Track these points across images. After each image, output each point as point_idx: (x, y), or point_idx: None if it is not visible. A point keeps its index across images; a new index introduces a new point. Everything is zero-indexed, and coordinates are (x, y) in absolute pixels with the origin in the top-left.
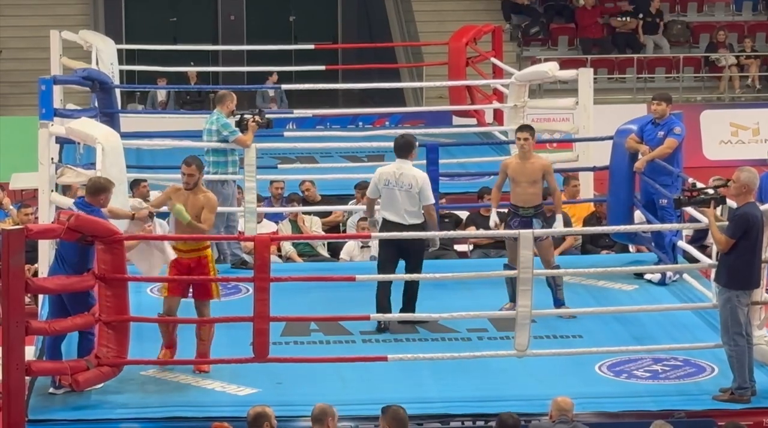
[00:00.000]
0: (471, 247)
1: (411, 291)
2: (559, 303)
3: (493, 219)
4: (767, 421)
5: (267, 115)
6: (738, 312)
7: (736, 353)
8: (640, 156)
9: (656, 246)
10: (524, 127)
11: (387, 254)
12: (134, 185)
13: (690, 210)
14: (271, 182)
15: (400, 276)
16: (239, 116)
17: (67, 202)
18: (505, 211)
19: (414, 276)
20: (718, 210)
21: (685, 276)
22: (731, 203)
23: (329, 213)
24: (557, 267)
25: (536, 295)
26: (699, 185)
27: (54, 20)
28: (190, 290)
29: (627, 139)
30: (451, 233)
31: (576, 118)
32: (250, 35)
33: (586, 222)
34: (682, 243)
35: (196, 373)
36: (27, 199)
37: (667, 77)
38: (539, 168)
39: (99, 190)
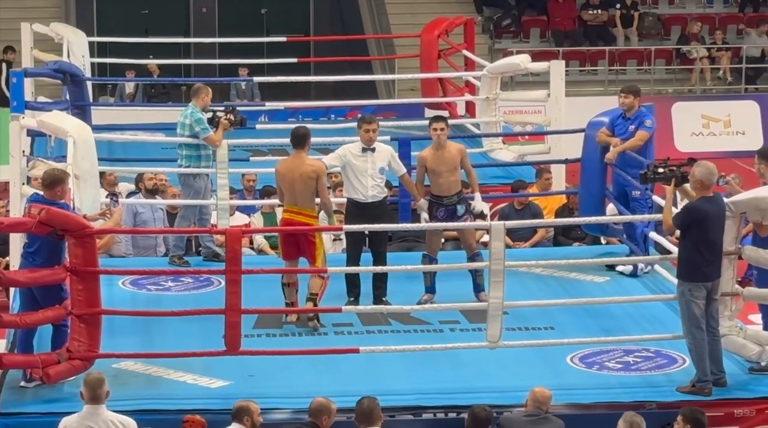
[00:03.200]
0: (443, 240)
1: (380, 269)
2: (479, 288)
3: (424, 216)
4: (738, 412)
5: (240, 114)
6: (692, 306)
7: (694, 346)
8: (611, 148)
9: (628, 237)
10: (439, 118)
11: (355, 234)
12: (101, 176)
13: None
14: (243, 175)
15: (369, 268)
16: (212, 113)
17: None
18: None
19: (385, 267)
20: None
21: (657, 267)
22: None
23: None
24: (479, 253)
25: (508, 287)
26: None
27: (25, 13)
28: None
29: (598, 132)
30: (423, 225)
31: (548, 110)
32: (221, 28)
33: (558, 214)
34: (653, 235)
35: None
36: None
37: (638, 69)
38: (456, 153)
39: (54, 181)
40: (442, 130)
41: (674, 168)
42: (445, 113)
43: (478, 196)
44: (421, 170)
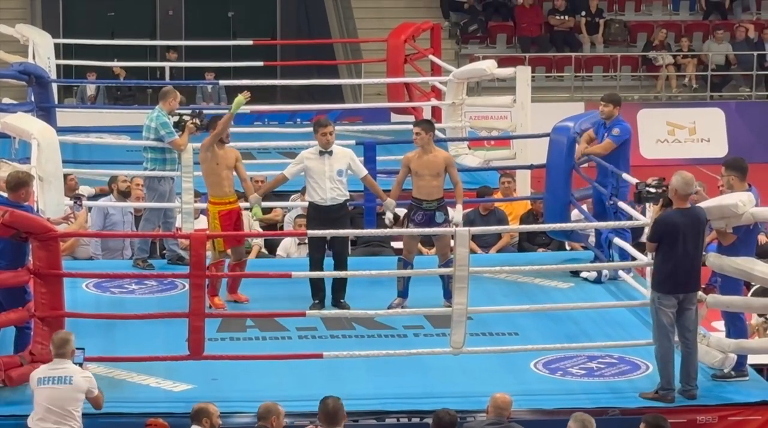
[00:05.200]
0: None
1: (340, 268)
2: (449, 294)
3: (389, 215)
4: (701, 419)
5: (207, 117)
6: (661, 314)
7: (660, 354)
8: (577, 149)
9: (594, 243)
10: (419, 122)
11: (316, 238)
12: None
13: (626, 207)
14: None
15: (332, 273)
16: (178, 116)
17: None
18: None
19: (349, 273)
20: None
21: (621, 273)
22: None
23: (268, 210)
24: (452, 260)
25: (472, 292)
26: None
27: None
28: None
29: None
30: (387, 231)
31: (514, 115)
32: (188, 31)
33: (523, 220)
34: (618, 241)
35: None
36: None
37: (604, 76)
38: (442, 160)
39: (19, 184)
40: (417, 133)
41: (666, 188)
42: (410, 117)
43: (459, 207)
44: (403, 171)
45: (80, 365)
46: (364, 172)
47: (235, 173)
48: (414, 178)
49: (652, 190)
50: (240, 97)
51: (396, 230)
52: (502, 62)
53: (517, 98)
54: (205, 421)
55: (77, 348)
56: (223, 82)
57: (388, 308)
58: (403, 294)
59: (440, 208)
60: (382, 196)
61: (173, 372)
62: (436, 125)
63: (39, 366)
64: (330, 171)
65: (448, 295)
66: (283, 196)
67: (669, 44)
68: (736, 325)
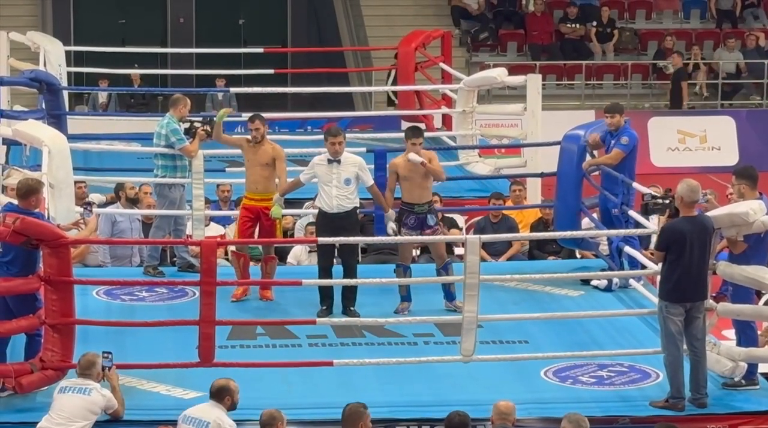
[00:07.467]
0: (417, 252)
1: (349, 277)
2: (451, 296)
3: (391, 226)
4: (711, 427)
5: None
6: (669, 322)
7: (669, 362)
8: (587, 158)
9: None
10: (419, 133)
11: (325, 245)
12: None
13: (635, 215)
14: (218, 186)
15: (343, 281)
16: (189, 123)
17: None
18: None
19: (358, 281)
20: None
21: (631, 281)
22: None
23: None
24: (450, 263)
25: (482, 300)
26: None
27: (1, 21)
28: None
29: (591, 134)
30: (395, 239)
31: (524, 123)
32: (199, 38)
33: (534, 228)
34: (628, 249)
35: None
36: None
37: (615, 84)
38: (428, 160)
39: (29, 191)
40: (420, 144)
41: (672, 198)
42: (421, 125)
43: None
44: (392, 177)
45: (108, 368)
46: (371, 182)
47: None
48: (403, 183)
49: (659, 201)
50: (223, 111)
51: (406, 237)
52: (513, 70)
53: (527, 106)
54: (227, 399)
55: (105, 352)
56: (233, 90)
57: (395, 312)
58: (406, 298)
59: (431, 211)
60: (385, 206)
61: (183, 380)
62: (447, 133)
63: (49, 373)
64: (337, 179)
65: (450, 297)
66: (296, 203)
67: (680, 52)
68: (746, 334)
